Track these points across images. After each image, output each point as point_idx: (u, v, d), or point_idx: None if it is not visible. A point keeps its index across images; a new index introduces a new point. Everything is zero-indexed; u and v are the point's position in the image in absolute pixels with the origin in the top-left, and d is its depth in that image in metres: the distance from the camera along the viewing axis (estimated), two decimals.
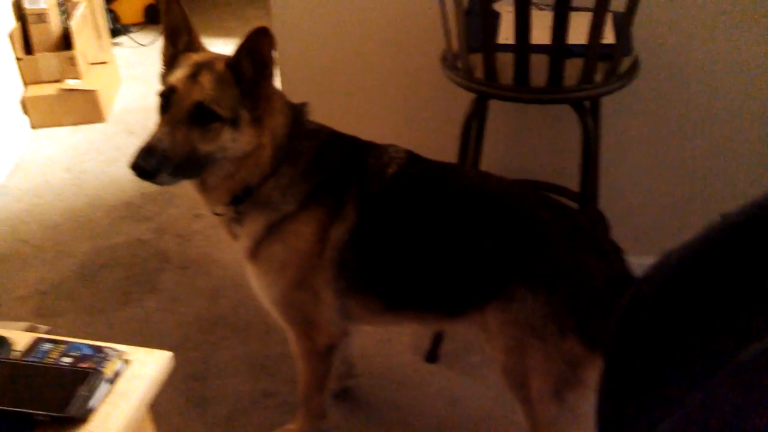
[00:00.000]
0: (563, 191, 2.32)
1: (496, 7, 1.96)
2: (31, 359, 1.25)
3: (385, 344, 2.37)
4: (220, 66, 1.54)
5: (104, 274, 2.76)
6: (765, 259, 0.41)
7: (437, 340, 2.28)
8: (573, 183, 2.11)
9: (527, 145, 2.53)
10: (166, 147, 1.47)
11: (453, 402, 2.16)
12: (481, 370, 2.24)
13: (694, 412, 0.39)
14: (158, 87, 1.58)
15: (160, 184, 1.52)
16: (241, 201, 1.64)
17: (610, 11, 1.73)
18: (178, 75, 1.54)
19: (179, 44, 1.62)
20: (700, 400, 0.39)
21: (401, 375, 2.26)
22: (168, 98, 1.53)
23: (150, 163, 1.46)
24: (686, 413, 0.40)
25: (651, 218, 2.47)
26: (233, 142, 1.53)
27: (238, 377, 2.26)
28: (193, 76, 1.52)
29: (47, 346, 1.26)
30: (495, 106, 2.09)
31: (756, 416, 0.34)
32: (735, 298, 0.43)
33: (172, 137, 1.48)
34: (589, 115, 1.87)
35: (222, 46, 1.60)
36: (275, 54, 1.54)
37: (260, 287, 1.74)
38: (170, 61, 1.62)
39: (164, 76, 1.60)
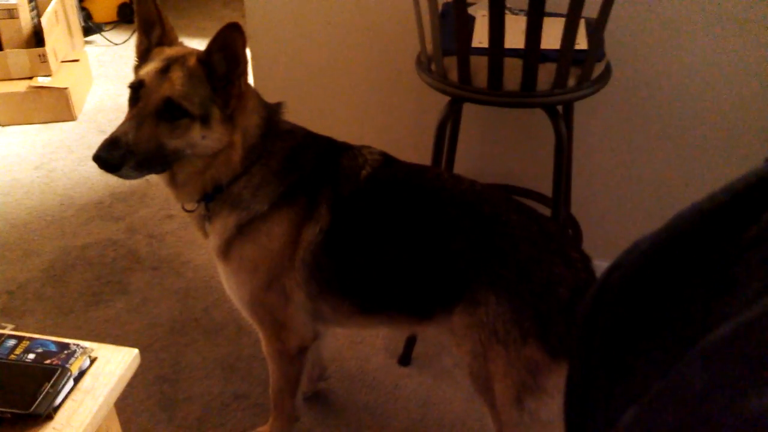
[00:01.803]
0: (536, 196, 2.34)
1: (471, 11, 1.98)
2: None
3: (357, 346, 2.37)
4: (191, 61, 1.52)
5: (73, 274, 2.73)
6: (731, 246, 0.42)
7: (410, 343, 2.28)
8: (546, 187, 2.13)
9: (501, 149, 2.54)
10: (131, 140, 1.46)
11: (425, 405, 2.16)
12: (454, 373, 2.24)
13: (657, 399, 0.40)
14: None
15: (124, 177, 1.50)
16: (211, 198, 1.63)
17: (583, 17, 1.74)
18: (149, 69, 1.52)
19: (152, 37, 1.61)
20: (664, 385, 0.39)
21: (374, 377, 2.26)
22: (137, 91, 1.51)
23: (113, 155, 1.45)
24: (649, 400, 0.40)
25: (623, 223, 2.50)
26: (202, 138, 1.52)
27: (209, 379, 2.24)
28: (164, 70, 1.51)
29: (11, 342, 1.24)
30: (469, 110, 2.10)
31: (719, 400, 0.34)
32: (700, 284, 0.43)
33: (138, 131, 1.47)
34: (561, 119, 1.89)
35: (199, 46, 1.58)
36: (247, 51, 1.53)
37: (230, 287, 1.73)
38: (144, 54, 1.61)
39: (137, 69, 1.59)
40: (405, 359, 2.29)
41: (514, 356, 1.49)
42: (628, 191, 2.48)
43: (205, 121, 1.52)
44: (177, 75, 1.50)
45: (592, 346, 0.50)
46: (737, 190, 0.44)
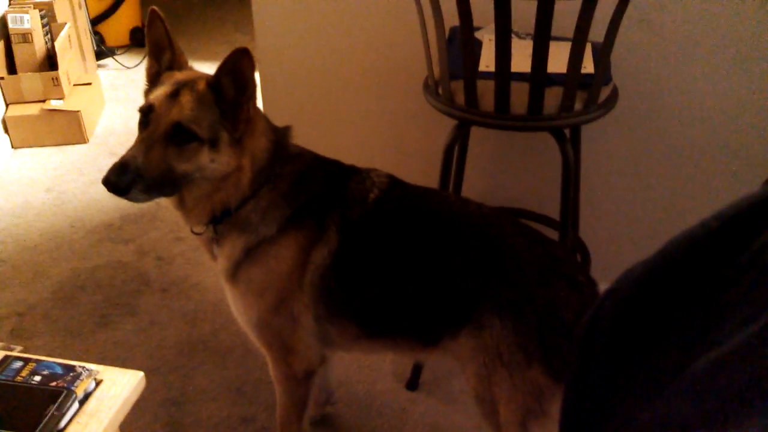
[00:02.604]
0: (544, 219, 2.34)
1: (478, 35, 1.99)
2: (0, 377, 1.23)
3: (365, 371, 2.36)
4: (201, 85, 1.54)
5: (82, 296, 2.74)
6: (722, 272, 0.42)
7: (418, 367, 2.27)
8: (554, 211, 2.12)
9: (508, 172, 2.55)
10: (140, 164, 1.47)
11: (433, 430, 2.15)
12: (462, 398, 2.23)
13: (646, 426, 0.40)
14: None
15: (133, 200, 1.52)
16: (220, 221, 1.64)
17: (590, 41, 1.75)
18: (158, 93, 1.54)
19: (163, 61, 1.63)
20: (653, 412, 0.39)
21: (381, 402, 2.24)
22: (147, 115, 1.53)
23: (122, 179, 1.46)
24: (639, 427, 0.40)
25: (632, 247, 2.49)
26: (211, 162, 1.53)
27: (216, 402, 2.23)
28: (173, 95, 1.52)
29: (18, 364, 1.25)
30: (476, 133, 2.11)
31: (706, 427, 0.34)
32: (692, 310, 0.43)
33: (147, 155, 1.48)
34: (568, 143, 1.89)
35: (210, 70, 1.60)
36: (256, 75, 1.55)
37: (238, 310, 1.73)
38: (154, 78, 1.62)
39: (147, 93, 1.60)
40: (413, 384, 2.28)
41: (518, 380, 1.48)
42: (636, 215, 2.47)
43: (213, 144, 1.53)
44: (186, 99, 1.52)
45: (587, 371, 0.50)
46: (727, 216, 0.44)
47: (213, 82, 1.54)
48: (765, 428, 0.31)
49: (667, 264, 0.47)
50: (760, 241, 0.41)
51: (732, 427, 0.33)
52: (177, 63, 1.64)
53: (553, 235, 2.07)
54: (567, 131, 1.92)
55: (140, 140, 1.52)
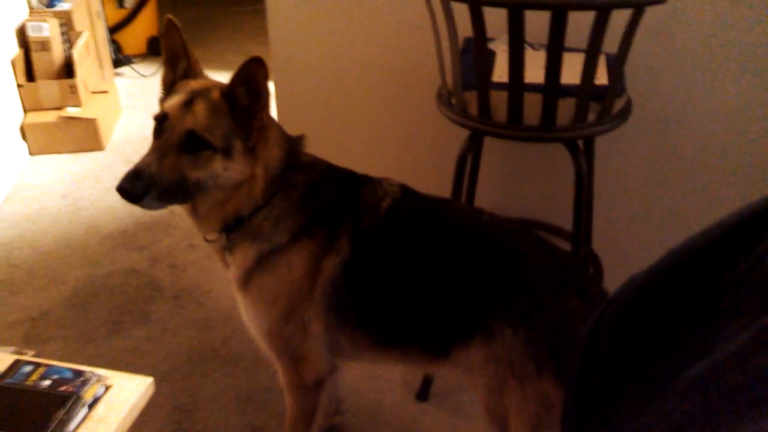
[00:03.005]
0: (557, 230, 2.33)
1: (491, 46, 1.99)
2: (9, 381, 1.23)
3: (375, 381, 2.35)
4: (215, 94, 1.55)
5: (95, 302, 2.75)
6: (722, 280, 0.42)
7: (428, 378, 2.26)
8: (567, 222, 2.11)
9: (521, 183, 2.54)
10: (154, 172, 1.48)
11: None
12: (471, 410, 2.21)
13: (643, 429, 0.39)
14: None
15: (146, 207, 1.53)
16: (232, 229, 1.64)
17: (604, 52, 1.75)
18: (173, 102, 1.55)
19: (178, 70, 1.64)
20: (650, 415, 0.39)
21: (391, 413, 2.23)
22: (162, 124, 1.54)
23: (136, 186, 1.47)
24: (636, 429, 0.40)
25: (646, 259, 2.46)
26: (224, 170, 1.54)
27: (225, 410, 2.23)
28: (188, 103, 1.53)
29: (27, 368, 1.26)
30: (489, 144, 2.11)
31: (700, 430, 0.34)
32: (693, 317, 0.43)
33: (161, 163, 1.49)
34: (582, 154, 1.89)
35: (225, 79, 1.61)
36: (270, 84, 1.55)
37: (249, 317, 1.73)
38: (169, 87, 1.64)
39: (162, 101, 1.62)
40: (422, 395, 2.27)
41: (529, 391, 1.47)
42: (650, 226, 2.45)
43: (227, 153, 1.54)
44: (200, 108, 1.53)
45: (588, 376, 0.50)
46: (728, 225, 0.44)
47: (227, 90, 1.55)
48: None
49: (669, 272, 0.47)
50: (759, 250, 0.40)
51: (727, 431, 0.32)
52: (192, 72, 1.65)
53: (565, 246, 2.06)
54: (580, 142, 1.91)
55: (154, 148, 1.53)
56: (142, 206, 1.51)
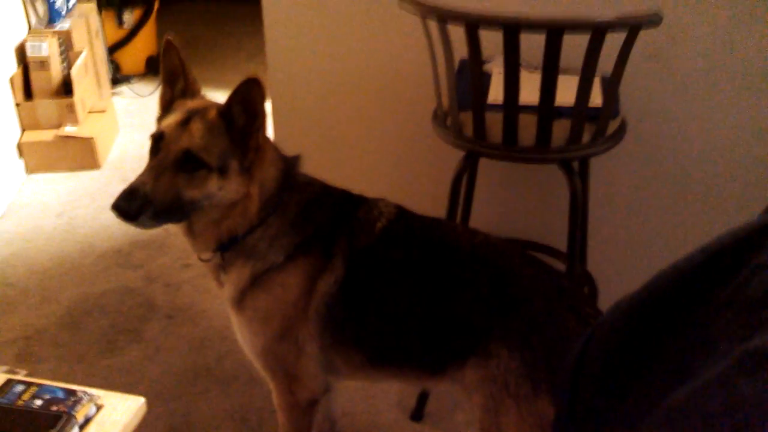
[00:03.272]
0: (551, 251, 2.33)
1: (487, 67, 2.01)
2: (1, 400, 1.22)
3: (369, 401, 2.34)
4: (211, 114, 1.55)
5: (89, 321, 2.74)
6: (707, 305, 0.42)
7: (423, 398, 2.25)
8: (562, 243, 2.12)
9: (516, 203, 2.55)
10: (149, 191, 1.48)
11: None
12: (466, 431, 2.20)
13: None
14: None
15: (141, 227, 1.53)
16: (227, 248, 1.64)
17: (598, 74, 1.76)
18: (170, 121, 1.56)
19: (176, 89, 1.65)
20: None
21: None
22: (158, 143, 1.54)
23: (131, 205, 1.47)
24: None
25: (640, 280, 2.47)
26: (220, 189, 1.54)
27: (219, 430, 2.22)
28: (184, 122, 1.54)
29: (19, 387, 1.25)
30: (484, 164, 2.11)
31: None
32: (674, 344, 0.43)
33: (157, 182, 1.49)
34: (576, 175, 1.90)
35: (222, 98, 1.61)
36: (267, 104, 1.56)
37: (243, 336, 1.73)
38: (167, 106, 1.65)
39: (159, 120, 1.62)
40: (417, 415, 2.26)
41: (525, 411, 1.47)
42: (644, 248, 2.46)
43: (223, 172, 1.54)
44: (197, 127, 1.53)
45: (577, 398, 0.50)
46: (711, 251, 0.44)
47: (224, 110, 1.55)
48: None
49: (652, 297, 0.47)
50: (741, 276, 0.41)
51: None
52: (190, 91, 1.66)
53: (560, 266, 2.07)
54: (575, 163, 1.92)
55: (150, 167, 1.53)
56: (137, 225, 1.52)
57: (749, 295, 0.39)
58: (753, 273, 0.40)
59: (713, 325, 0.41)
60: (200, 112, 1.56)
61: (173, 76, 1.66)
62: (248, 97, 1.52)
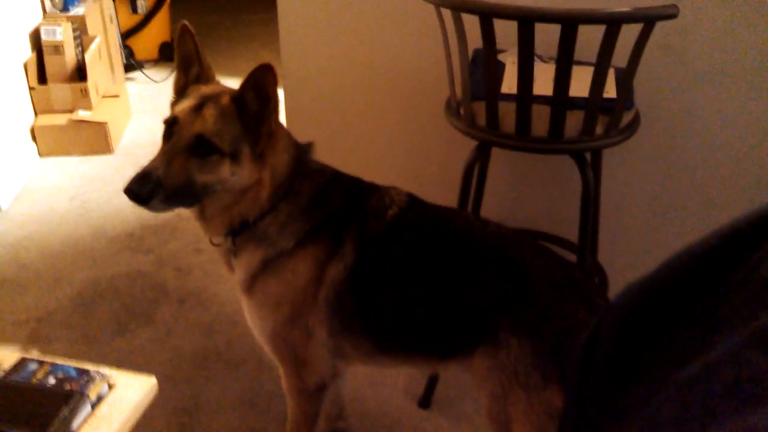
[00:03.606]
0: (563, 242, 2.33)
1: (501, 57, 2.00)
2: (15, 378, 1.24)
3: (378, 387, 2.35)
4: (225, 100, 1.56)
5: (101, 304, 2.76)
6: (719, 288, 0.42)
7: (431, 385, 2.26)
8: (573, 234, 2.12)
9: (528, 194, 2.55)
10: (161, 174, 1.49)
11: None
12: (474, 418, 2.21)
13: (632, 430, 0.40)
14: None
15: (153, 210, 1.53)
16: (238, 233, 1.65)
17: (613, 66, 1.76)
18: (183, 106, 1.57)
19: (190, 75, 1.66)
20: (643, 418, 0.40)
21: (393, 419, 2.24)
22: (171, 127, 1.55)
23: (144, 188, 1.48)
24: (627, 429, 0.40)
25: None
26: (232, 175, 1.55)
27: (228, 413, 2.24)
28: (198, 108, 1.55)
29: (33, 366, 1.26)
30: (497, 154, 2.12)
31: (689, 430, 0.35)
32: (690, 325, 0.44)
33: (169, 166, 1.50)
34: (589, 167, 1.89)
35: (236, 85, 1.62)
36: (279, 92, 1.57)
37: (253, 321, 1.74)
38: (181, 91, 1.65)
39: (173, 105, 1.63)
40: (425, 402, 2.27)
41: (534, 401, 1.47)
42: (656, 240, 2.45)
43: (235, 158, 1.55)
44: (210, 112, 1.54)
45: (586, 383, 0.51)
46: (725, 235, 0.45)
47: (237, 96, 1.56)
48: (744, 431, 0.32)
49: (666, 280, 0.48)
50: (754, 258, 0.41)
51: (714, 429, 0.33)
52: (204, 77, 1.67)
53: (571, 258, 2.07)
54: (588, 155, 1.92)
55: (163, 152, 1.54)
56: (149, 208, 1.52)
57: (762, 276, 0.39)
58: (766, 255, 0.40)
59: (725, 306, 0.41)
60: (214, 98, 1.57)
61: (188, 62, 1.67)
62: (261, 84, 1.53)
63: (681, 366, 0.39)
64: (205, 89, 1.62)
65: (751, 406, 0.32)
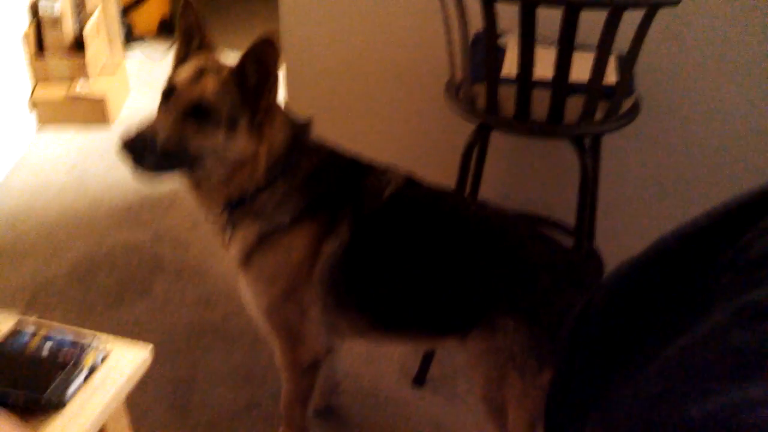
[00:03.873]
0: (559, 226, 2.34)
1: (502, 41, 2.00)
2: (9, 344, 1.25)
3: (372, 364, 2.37)
4: (224, 70, 1.56)
5: (98, 275, 2.77)
6: (709, 267, 0.43)
7: (425, 363, 2.28)
8: (570, 218, 2.13)
9: (527, 177, 2.56)
10: (156, 135, 1.49)
11: (436, 428, 2.16)
12: (467, 398, 2.24)
13: (617, 402, 0.41)
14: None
15: (146, 172, 1.52)
16: (234, 208, 1.65)
17: (614, 52, 1.76)
18: (182, 74, 1.56)
19: (192, 46, 1.65)
20: (628, 395, 0.41)
21: (386, 396, 2.26)
22: (168, 95, 1.55)
23: (137, 146, 1.48)
24: (614, 413, 0.41)
25: None
26: (226, 143, 1.54)
27: (222, 386, 2.26)
28: (197, 76, 1.54)
29: (29, 332, 1.27)
30: (496, 138, 2.12)
31: (665, 406, 0.36)
32: (679, 304, 0.44)
33: (164, 128, 1.50)
34: (588, 152, 1.90)
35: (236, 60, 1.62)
36: (280, 66, 1.57)
37: (249, 296, 1.75)
38: (181, 61, 1.65)
39: (171, 76, 1.63)
40: (419, 379, 2.29)
41: (530, 384, 1.49)
42: (653, 226, 2.46)
43: (231, 127, 1.53)
44: (209, 81, 1.53)
45: (575, 358, 0.52)
46: (718, 214, 0.45)
47: (237, 68, 1.55)
48: (725, 406, 0.33)
49: (657, 259, 0.48)
50: (745, 239, 0.42)
51: (696, 403, 0.34)
52: (206, 46, 1.66)
53: (567, 242, 2.08)
54: (587, 140, 1.93)
55: (159, 114, 1.53)
56: (142, 170, 1.51)
57: (750, 257, 0.40)
58: (756, 236, 0.41)
59: (713, 286, 0.42)
60: (213, 68, 1.57)
61: (189, 36, 1.66)
62: (262, 57, 1.52)
63: (669, 343, 0.40)
64: (206, 60, 1.62)
65: (735, 381, 0.33)
